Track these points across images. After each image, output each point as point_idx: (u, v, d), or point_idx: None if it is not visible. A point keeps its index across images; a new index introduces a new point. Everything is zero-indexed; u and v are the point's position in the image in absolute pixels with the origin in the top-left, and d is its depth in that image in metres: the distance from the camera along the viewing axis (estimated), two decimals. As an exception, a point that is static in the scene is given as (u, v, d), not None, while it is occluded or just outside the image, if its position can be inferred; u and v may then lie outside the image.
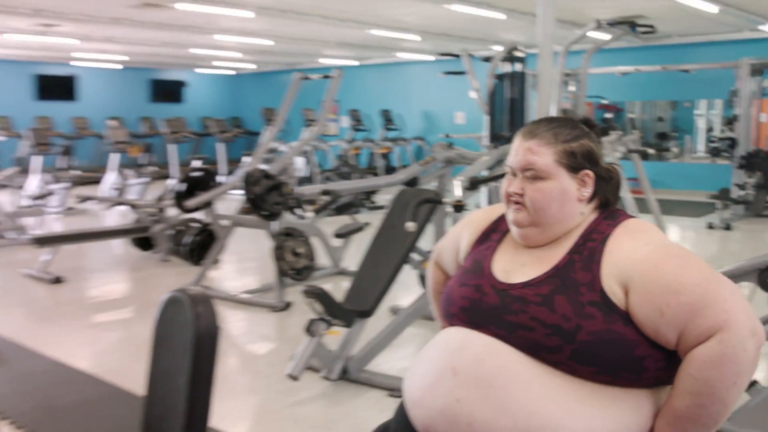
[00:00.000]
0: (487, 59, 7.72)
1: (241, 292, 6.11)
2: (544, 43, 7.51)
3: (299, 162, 13.54)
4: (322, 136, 15.71)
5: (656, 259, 1.46)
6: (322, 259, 6.76)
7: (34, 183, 11.95)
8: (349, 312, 4.01)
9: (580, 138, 1.59)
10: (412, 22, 11.58)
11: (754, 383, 3.31)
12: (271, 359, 4.60)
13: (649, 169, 12.81)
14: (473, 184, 4.51)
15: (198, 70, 20.43)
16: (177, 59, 17.72)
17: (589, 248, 1.52)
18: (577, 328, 1.42)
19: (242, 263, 7.64)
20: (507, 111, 7.56)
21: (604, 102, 14.13)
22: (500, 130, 7.59)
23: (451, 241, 1.83)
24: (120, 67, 18.46)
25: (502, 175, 5.95)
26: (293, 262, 5.78)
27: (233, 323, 5.48)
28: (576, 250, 1.53)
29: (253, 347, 5.06)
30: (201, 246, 6.89)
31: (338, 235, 6.30)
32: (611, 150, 6.59)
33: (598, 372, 1.43)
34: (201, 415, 2.07)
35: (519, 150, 1.60)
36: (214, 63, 18.75)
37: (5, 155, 14.45)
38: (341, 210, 6.66)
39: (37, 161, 12.34)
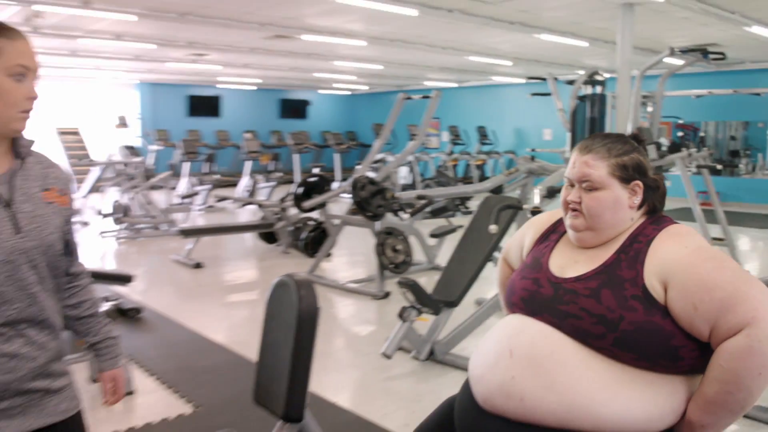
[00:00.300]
0: (571, 82, 7.59)
1: (348, 281, 6.22)
2: (622, 68, 7.32)
3: (403, 171, 13.64)
4: (425, 148, 15.81)
5: (693, 259, 1.43)
6: (419, 255, 6.81)
7: (183, 185, 12.55)
8: (437, 302, 4.03)
9: (630, 152, 1.57)
10: (505, 50, 11.46)
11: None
12: (370, 340, 4.67)
13: (723, 183, 12.27)
14: (551, 193, 4.44)
15: (320, 91, 20.87)
16: (303, 81, 18.17)
17: (635, 249, 1.50)
18: (620, 318, 1.41)
19: (350, 257, 7.77)
20: (587, 128, 7.41)
21: (680, 122, 13.55)
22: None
23: (516, 241, 1.84)
24: (254, 88, 19.08)
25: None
26: (393, 257, 5.85)
27: (341, 308, 5.59)
28: (623, 251, 1.51)
29: (356, 329, 5.15)
30: (315, 241, 7.06)
31: (433, 235, 6.34)
32: (682, 165, 6.33)
33: (638, 358, 1.41)
34: (302, 381, 2.15)
35: (576, 163, 1.59)
36: (334, 85, 19.10)
37: (162, 161, 15.21)
38: (436, 213, 6.65)
39: (186, 167, 12.94)
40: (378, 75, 16.02)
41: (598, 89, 7.33)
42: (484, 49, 11.43)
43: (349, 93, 21.33)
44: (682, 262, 1.43)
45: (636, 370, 1.42)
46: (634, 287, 1.44)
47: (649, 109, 10.63)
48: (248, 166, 13.41)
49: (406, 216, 5.75)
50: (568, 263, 1.58)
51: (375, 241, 5.80)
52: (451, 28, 9.26)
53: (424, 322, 4.14)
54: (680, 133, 13.74)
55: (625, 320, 1.41)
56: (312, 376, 3.70)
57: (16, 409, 1.38)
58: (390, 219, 6.13)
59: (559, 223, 1.69)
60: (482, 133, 16.38)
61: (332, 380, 3.90)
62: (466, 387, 1.63)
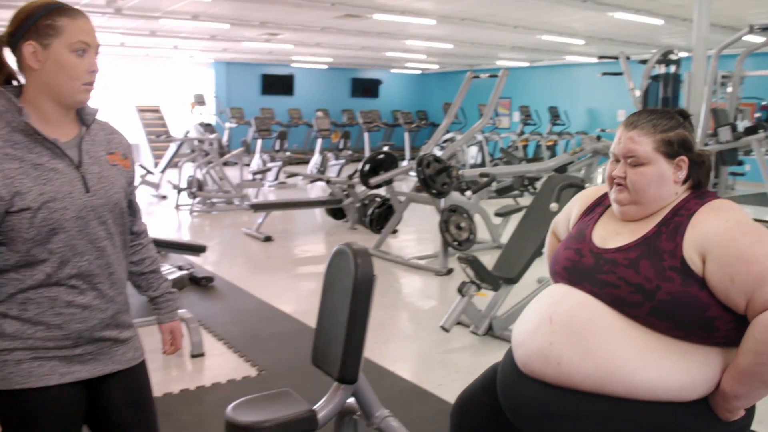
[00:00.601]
0: (644, 62, 7.39)
1: (412, 257, 6.31)
2: (697, 46, 7.06)
3: (473, 150, 13.59)
4: (495, 128, 15.67)
5: (732, 233, 1.45)
6: (484, 234, 6.83)
7: (255, 161, 12.88)
8: (496, 278, 4.08)
9: (676, 128, 1.59)
10: (578, 28, 11.21)
11: None
12: (431, 314, 4.75)
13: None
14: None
15: (392, 70, 20.90)
16: (374, 61, 18.23)
17: (675, 222, 1.53)
18: (657, 288, 1.45)
19: (416, 234, 7.85)
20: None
21: (765, 103, 12.94)
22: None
23: (564, 213, 1.88)
24: (326, 67, 19.28)
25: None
26: (456, 235, 5.89)
27: (404, 283, 5.70)
28: (664, 223, 1.54)
29: (418, 304, 5.24)
30: (380, 217, 7.17)
31: (498, 214, 6.36)
32: (758, 147, 6.11)
33: (673, 328, 1.45)
34: (356, 345, 2.26)
35: (622, 139, 1.61)
36: (406, 64, 19.09)
37: (236, 139, 15.60)
38: (502, 192, 6.66)
39: (258, 144, 13.27)
40: (448, 54, 15.91)
41: (672, 69, 7.11)
42: (556, 28, 11.20)
43: (419, 72, 21.28)
44: (721, 236, 1.45)
45: (671, 339, 1.46)
46: (672, 259, 1.47)
47: (729, 89, 10.24)
48: (319, 143, 13.66)
49: (468, 194, 5.77)
50: (611, 235, 1.62)
51: (439, 219, 5.86)
52: (522, 6, 9.13)
53: (484, 297, 4.19)
54: (757, 114, 13.12)
55: (662, 290, 1.44)
56: (373, 345, 3.84)
57: (89, 356, 1.54)
58: (455, 197, 6.17)
59: (605, 196, 1.73)
60: (554, 114, 16.09)
61: (392, 350, 4.02)
62: (509, 353, 1.70)
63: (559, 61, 16.68)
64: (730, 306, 1.43)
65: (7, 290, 1.46)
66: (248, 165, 12.71)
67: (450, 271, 5.75)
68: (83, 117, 1.56)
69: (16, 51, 1.45)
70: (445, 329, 3.91)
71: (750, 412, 1.56)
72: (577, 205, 1.82)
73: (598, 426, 1.48)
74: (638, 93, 7.51)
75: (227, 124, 15.92)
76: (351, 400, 2.58)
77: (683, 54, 7.46)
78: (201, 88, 16.89)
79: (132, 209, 1.71)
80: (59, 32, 1.43)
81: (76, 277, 1.50)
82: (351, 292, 2.23)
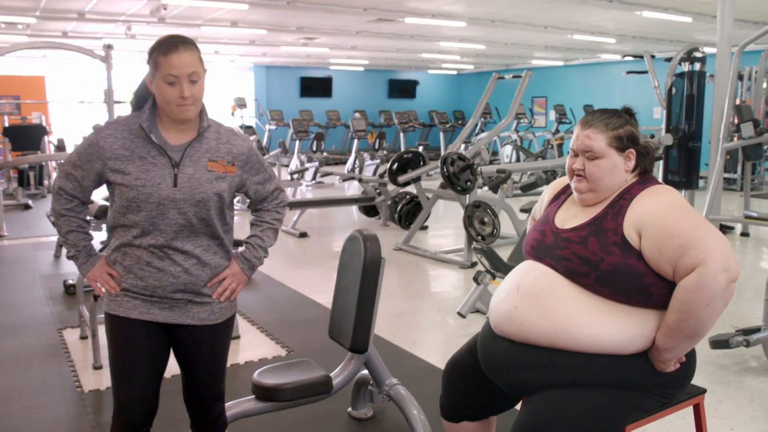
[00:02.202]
0: (670, 59, 7.51)
1: (439, 251, 6.60)
2: (721, 42, 7.19)
3: (507, 149, 13.79)
4: (531, 127, 15.82)
5: (663, 212, 1.72)
6: (509, 229, 7.07)
7: (294, 162, 13.30)
8: (510, 267, 4.32)
9: (624, 125, 1.86)
10: (609, 27, 11.34)
11: None
12: (453, 304, 5.01)
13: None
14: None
15: (430, 71, 21.17)
16: (410, 62, 18.52)
17: (620, 204, 1.80)
18: (600, 260, 1.73)
19: (445, 229, 8.12)
20: (685, 106, 7.33)
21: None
22: (677, 123, 7.39)
23: (540, 203, 2.17)
24: (363, 69, 19.64)
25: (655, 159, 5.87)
26: (480, 229, 6.16)
27: (430, 275, 5.99)
28: (611, 206, 1.82)
29: (442, 294, 5.52)
30: (409, 213, 7.46)
31: (523, 210, 6.58)
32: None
33: (615, 293, 1.73)
34: (366, 319, 2.58)
35: (579, 136, 1.89)
36: (443, 65, 19.32)
37: (276, 140, 16.08)
38: (526, 189, 6.88)
39: (296, 145, 13.69)
40: (482, 54, 16.12)
41: (698, 66, 7.22)
42: (587, 27, 11.35)
43: (455, 73, 21.49)
44: (654, 215, 1.72)
45: (614, 303, 1.74)
46: (615, 236, 1.75)
47: (765, 86, 10.24)
48: (356, 144, 14.03)
49: (484, 189, 6.02)
50: (569, 217, 1.90)
51: (464, 214, 6.13)
52: (550, 7, 9.33)
53: (498, 286, 4.44)
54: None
55: (605, 262, 1.73)
56: (395, 330, 4.21)
57: (165, 305, 1.98)
58: (480, 193, 6.42)
59: (568, 186, 2.01)
60: (588, 112, 16.15)
61: (413, 335, 4.32)
62: (487, 319, 1.99)
63: (594, 60, 16.74)
64: (661, 274, 1.70)
65: (117, 242, 1.97)
66: (287, 166, 13.14)
67: (474, 264, 6.01)
68: (199, 127, 1.97)
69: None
70: (461, 315, 4.17)
71: (687, 367, 1.83)
72: (547, 193, 2.10)
73: (553, 375, 1.77)
74: (656, 91, 7.66)
75: (267, 127, 16.40)
76: (365, 372, 2.90)
77: (710, 50, 7.53)
78: (242, 92, 17.41)
79: (256, 200, 2.18)
80: (158, 67, 1.85)
81: (153, 246, 1.93)
82: (361, 272, 2.55)
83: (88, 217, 2.08)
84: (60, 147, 13.14)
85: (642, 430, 2.99)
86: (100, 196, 6.43)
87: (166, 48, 1.85)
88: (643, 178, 1.88)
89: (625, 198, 1.81)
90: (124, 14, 9.84)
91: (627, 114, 1.90)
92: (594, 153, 1.85)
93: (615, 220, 1.77)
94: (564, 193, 2.02)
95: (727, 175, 11.47)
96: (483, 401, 2.04)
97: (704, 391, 2.02)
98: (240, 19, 10.44)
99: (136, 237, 1.92)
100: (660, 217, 1.71)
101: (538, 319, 1.77)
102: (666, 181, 7.49)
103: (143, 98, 1.97)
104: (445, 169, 6.02)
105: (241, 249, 2.19)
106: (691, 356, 1.84)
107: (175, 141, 1.94)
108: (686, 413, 2.18)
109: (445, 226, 8.27)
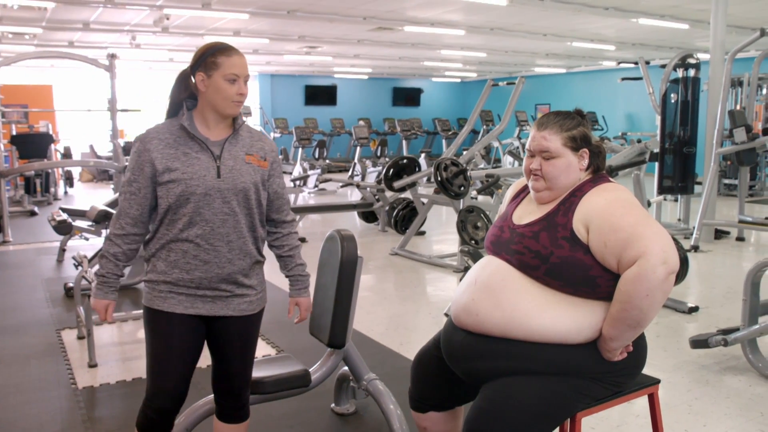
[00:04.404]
0: (664, 66, 7.60)
1: (434, 256, 6.69)
2: (714, 49, 7.27)
3: (509, 158, 13.88)
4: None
5: (609, 208, 1.82)
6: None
7: (296, 169, 13.45)
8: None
9: (577, 126, 1.96)
10: (608, 35, 11.44)
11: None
12: (441, 306, 5.08)
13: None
14: (610, 171, 4.71)
15: (434, 79, 21.31)
16: (413, 70, 18.67)
17: (571, 201, 1.90)
18: (550, 253, 1.83)
19: (441, 235, 8.20)
20: (679, 112, 7.42)
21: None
22: (672, 129, 7.48)
23: (504, 202, 2.27)
24: (366, 77, 19.78)
25: (635, 164, 5.95)
26: (473, 234, 6.24)
27: (423, 279, 6.09)
28: (563, 203, 1.92)
29: (435, 298, 5.60)
30: (404, 218, 7.56)
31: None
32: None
33: (564, 285, 1.83)
34: (344, 315, 2.70)
35: (536, 138, 1.99)
36: (446, 73, 19.45)
37: (279, 147, 16.26)
38: (521, 194, 6.98)
39: (299, 152, 13.84)
40: (485, 62, 16.25)
41: (692, 72, 7.31)
42: (587, 35, 11.46)
43: (459, 81, 21.62)
44: (600, 210, 1.82)
45: (563, 294, 1.84)
46: (564, 230, 1.85)
47: (765, 91, 10.30)
48: (358, 151, 14.17)
49: (473, 194, 6.13)
50: (525, 214, 2.01)
51: (457, 219, 6.22)
52: (546, 15, 9.44)
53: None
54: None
55: (554, 255, 1.82)
56: (384, 331, 4.30)
57: (208, 298, 2.09)
58: (481, 199, 6.51)
59: (527, 186, 2.11)
60: (592, 119, 16.26)
61: (402, 336, 4.42)
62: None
63: (596, 67, 16.84)
64: (607, 266, 1.80)
65: (161, 241, 2.07)
66: (289, 173, 13.27)
67: (467, 269, 6.09)
68: (235, 124, 2.13)
69: (193, 78, 2.07)
70: (447, 316, 4.27)
71: (635, 357, 1.92)
72: (509, 193, 2.21)
73: (506, 363, 1.86)
74: (651, 97, 7.75)
75: (272, 135, 16.57)
76: (346, 369, 3.00)
77: (705, 57, 7.62)
78: (246, 100, 17.56)
79: (273, 201, 2.23)
80: (218, 66, 2.02)
81: (200, 237, 2.03)
82: (338, 270, 2.66)
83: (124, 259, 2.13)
84: (66, 155, 13.32)
85: (607, 419, 3.08)
86: (101, 200, 6.54)
87: (227, 50, 2.03)
88: (595, 176, 1.98)
89: (576, 195, 1.91)
90: (128, 24, 10.02)
91: (579, 115, 2.00)
92: (550, 153, 1.95)
93: (565, 215, 1.87)
94: (523, 192, 2.12)
95: (728, 181, 11.53)
96: (447, 392, 2.13)
97: (658, 381, 2.11)
98: (242, 28, 10.60)
99: (182, 229, 2.03)
100: (606, 213, 1.81)
101: (493, 310, 1.87)
102: (661, 186, 7.57)
103: (178, 105, 2.12)
104: (438, 175, 6.12)
105: (290, 273, 2.40)
106: (639, 347, 1.93)
107: (214, 137, 2.09)
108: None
109: (445, 232, 8.36)
